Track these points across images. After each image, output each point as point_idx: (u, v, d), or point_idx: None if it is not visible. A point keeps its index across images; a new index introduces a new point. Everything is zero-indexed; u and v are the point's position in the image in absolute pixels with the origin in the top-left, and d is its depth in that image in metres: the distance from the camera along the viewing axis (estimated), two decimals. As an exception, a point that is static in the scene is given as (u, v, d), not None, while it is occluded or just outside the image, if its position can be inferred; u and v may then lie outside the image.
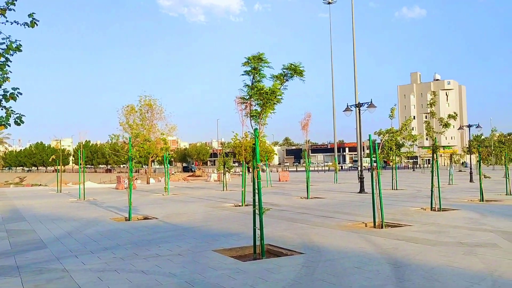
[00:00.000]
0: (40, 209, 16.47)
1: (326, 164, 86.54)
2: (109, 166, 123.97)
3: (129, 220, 12.54)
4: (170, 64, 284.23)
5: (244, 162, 18.52)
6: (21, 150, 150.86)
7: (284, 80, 7.32)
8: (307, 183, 19.49)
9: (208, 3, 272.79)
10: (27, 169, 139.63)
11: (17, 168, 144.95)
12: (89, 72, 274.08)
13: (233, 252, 7.74)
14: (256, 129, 7.22)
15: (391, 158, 20.47)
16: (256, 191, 7.33)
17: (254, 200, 7.44)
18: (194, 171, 75.89)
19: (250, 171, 49.35)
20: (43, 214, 14.62)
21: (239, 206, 16.40)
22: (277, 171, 60.21)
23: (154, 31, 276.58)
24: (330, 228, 10.30)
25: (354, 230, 9.86)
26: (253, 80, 7.09)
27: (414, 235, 9.10)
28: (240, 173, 64.13)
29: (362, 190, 21.98)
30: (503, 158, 27.43)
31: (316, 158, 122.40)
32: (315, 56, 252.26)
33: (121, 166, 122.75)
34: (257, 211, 7.37)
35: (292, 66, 7.15)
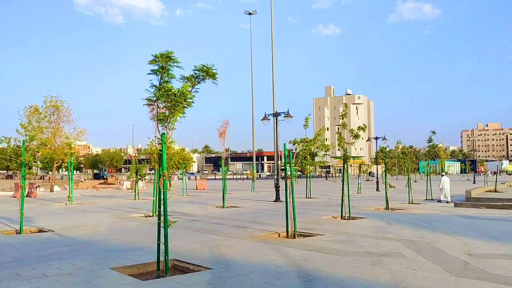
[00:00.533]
0: None
1: (244, 172, 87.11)
2: (10, 172, 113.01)
3: (20, 233, 11.11)
4: (83, 65, 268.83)
5: (156, 170, 17.57)
6: None
7: (196, 83, 6.84)
8: (223, 192, 19.08)
9: (127, 4, 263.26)
10: None
11: None
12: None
13: (134, 269, 7.01)
14: (164, 134, 6.63)
15: (305, 167, 20.84)
16: (162, 201, 6.71)
17: (159, 211, 6.81)
18: (106, 178, 71.79)
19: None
20: None
21: (150, 216, 15.45)
22: (195, 179, 59.19)
23: (66, 29, 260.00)
24: (243, 239, 9.94)
25: (266, 241, 9.60)
26: (161, 81, 6.51)
27: (325, 244, 9.06)
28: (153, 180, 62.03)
29: (277, 198, 22.09)
30: (405, 168, 29.42)
31: (235, 167, 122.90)
32: (236, 65, 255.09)
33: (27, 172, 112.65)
34: (162, 224, 6.74)
35: (204, 67, 6.71)
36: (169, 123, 6.41)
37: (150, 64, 6.35)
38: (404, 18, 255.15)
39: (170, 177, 48.06)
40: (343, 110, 14.18)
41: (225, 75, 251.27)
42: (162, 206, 6.76)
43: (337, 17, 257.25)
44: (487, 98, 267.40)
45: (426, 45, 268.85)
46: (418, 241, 9.43)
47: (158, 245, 6.82)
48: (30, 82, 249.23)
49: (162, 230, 6.74)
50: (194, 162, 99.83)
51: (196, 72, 6.66)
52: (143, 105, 6.59)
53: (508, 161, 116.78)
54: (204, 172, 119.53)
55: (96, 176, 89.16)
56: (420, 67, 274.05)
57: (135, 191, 24.81)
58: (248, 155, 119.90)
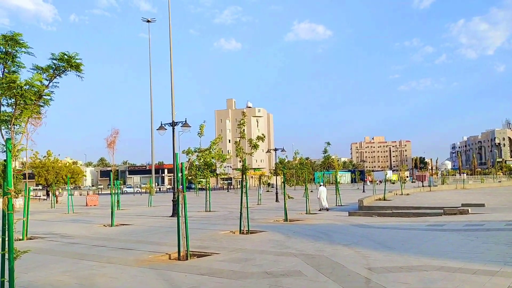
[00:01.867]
0: None
1: (143, 186, 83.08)
2: None
3: None
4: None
5: (27, 185, 15.20)
6: None
7: (54, 75, 5.46)
8: (111, 209, 17.17)
9: (14, 5, 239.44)
10: None
11: None
12: None
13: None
14: (9, 139, 5.12)
15: (197, 178, 19.74)
16: (6, 227, 5.18)
17: (3, 240, 5.25)
18: (-19, 196, 63.19)
19: (50, 195, 43.13)
20: None
21: (19, 240, 13.10)
22: (88, 194, 54.63)
23: None
24: (125, 264, 8.54)
25: (153, 265, 8.34)
26: (4, 70, 5.04)
27: (220, 266, 8.09)
28: (43, 197, 56.08)
29: (174, 213, 20.68)
30: (302, 179, 29.95)
31: (133, 180, 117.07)
32: (136, 75, 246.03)
33: None
34: (7, 256, 5.21)
35: (66, 56, 5.37)
36: (13, 124, 4.92)
37: (-12, 48, 4.84)
38: (300, 37, 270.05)
39: (56, 193, 43.54)
40: (241, 119, 13.50)
41: (123, 84, 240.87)
42: (6, 233, 5.22)
43: (238, 32, 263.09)
44: (372, 113, 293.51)
45: (319, 63, 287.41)
46: (317, 255, 8.94)
47: (2, 283, 5.25)
48: None
49: (6, 264, 5.19)
50: (85, 176, 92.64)
51: (54, 61, 5.27)
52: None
53: (391, 171, 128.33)
54: (99, 186, 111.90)
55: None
56: (315, 82, 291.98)
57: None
58: (147, 168, 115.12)
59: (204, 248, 10.33)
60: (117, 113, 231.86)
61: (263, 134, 14.21)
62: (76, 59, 5.45)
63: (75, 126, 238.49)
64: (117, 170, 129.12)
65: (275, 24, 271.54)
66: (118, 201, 28.04)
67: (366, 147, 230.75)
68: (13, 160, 5.21)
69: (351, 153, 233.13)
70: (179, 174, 9.96)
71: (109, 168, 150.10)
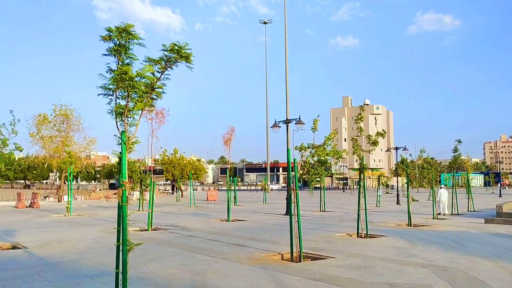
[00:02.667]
0: None
1: (258, 183, 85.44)
2: (28, 182, 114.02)
3: (-12, 250, 9.76)
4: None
5: (151, 179, 16.20)
6: None
7: (165, 67, 5.37)
8: (227, 204, 17.52)
9: (148, 19, 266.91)
10: None
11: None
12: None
13: (86, 305, 5.52)
14: (123, 132, 5.16)
15: (312, 176, 19.02)
16: (121, 219, 5.23)
17: (118, 231, 5.32)
18: (121, 188, 71.08)
19: (175, 189, 46.41)
20: None
21: (145, 230, 14.03)
22: (209, 190, 57.88)
23: (86, 44, 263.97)
24: (237, 261, 8.35)
25: (265, 265, 8.00)
26: (119, 63, 5.07)
27: (335, 272, 7.41)
28: (169, 191, 60.95)
29: (288, 212, 20.41)
30: (428, 180, 27.32)
31: (249, 177, 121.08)
32: (253, 76, 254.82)
33: (44, 182, 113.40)
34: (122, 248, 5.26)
35: (176, 47, 5.24)
36: (127, 116, 4.90)
37: (103, 41, 4.89)
38: (424, 29, 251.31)
39: (182, 188, 46.83)
40: (359, 114, 12.55)
41: (244, 86, 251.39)
42: (121, 225, 5.27)
43: (356, 28, 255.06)
44: (509, 108, 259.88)
45: (446, 56, 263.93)
46: (450, 267, 7.70)
47: (117, 274, 5.32)
48: (41, 89, 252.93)
49: (121, 256, 5.25)
50: (207, 172, 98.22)
51: (166, 53, 5.17)
52: (98, 95, 5.12)
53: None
54: (219, 182, 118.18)
55: (111, 186, 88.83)
56: (441, 77, 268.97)
57: (139, 202, 23.46)
58: (263, 166, 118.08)
59: (318, 250, 9.72)
60: (235, 113, 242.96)
61: (383, 130, 13.05)
62: (186, 49, 5.30)
63: (199, 126, 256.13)
64: (235, 167, 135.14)
65: (396, 17, 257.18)
66: (235, 197, 28.85)
67: (502, 147, 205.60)
68: (127, 153, 5.25)
69: (484, 154, 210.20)
70: (292, 172, 9.53)
71: (228, 166, 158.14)
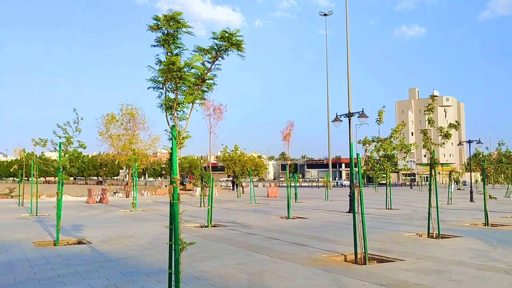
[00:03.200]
0: (-29, 227, 14.00)
1: (320, 179, 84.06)
2: (100, 178, 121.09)
3: (56, 245, 10.13)
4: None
5: (210, 175, 16.18)
6: (11, 160, 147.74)
7: (216, 56, 5.05)
8: (287, 201, 17.10)
9: (209, 18, 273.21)
10: (18, 179, 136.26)
11: (8, 178, 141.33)
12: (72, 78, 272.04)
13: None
14: (173, 126, 4.92)
15: (377, 172, 17.96)
16: (173, 217, 5.00)
17: (170, 230, 5.10)
18: (185, 184, 73.42)
19: (237, 186, 46.85)
20: (-36, 234, 12.17)
21: (205, 227, 14.02)
22: (269, 186, 57.85)
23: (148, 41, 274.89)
24: (297, 262, 7.92)
25: (327, 267, 7.49)
26: (167, 53, 4.83)
27: (405, 276, 6.74)
28: (231, 188, 61.68)
29: (351, 209, 19.59)
30: (505, 175, 25.08)
31: (310, 173, 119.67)
32: (313, 70, 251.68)
33: (114, 178, 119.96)
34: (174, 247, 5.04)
35: (226, 34, 4.89)
36: (175, 110, 4.64)
37: (151, 30, 4.66)
38: (498, 14, 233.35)
39: (243, 184, 47.14)
40: (429, 104, 11.54)
41: (305, 81, 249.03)
42: (173, 224, 5.04)
43: (422, 17, 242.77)
44: None
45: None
46: (542, 276, 6.72)
47: (169, 274, 5.11)
48: (109, 90, 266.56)
49: (174, 255, 5.02)
50: (267, 168, 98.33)
51: (216, 41, 4.84)
52: (148, 88, 4.91)
53: None
54: (280, 179, 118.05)
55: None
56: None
57: (200, 198, 23.76)
58: (325, 162, 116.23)
59: (385, 251, 9.03)
60: (295, 108, 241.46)
61: (456, 121, 11.94)
62: (237, 36, 4.94)
63: (260, 123, 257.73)
64: (296, 163, 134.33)
65: (466, 3, 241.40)
66: (295, 194, 28.37)
67: None
68: (178, 148, 5.01)
69: None
70: (355, 168, 8.90)
71: (289, 162, 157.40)
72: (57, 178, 10.61)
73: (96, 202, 28.28)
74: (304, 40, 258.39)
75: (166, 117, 5.05)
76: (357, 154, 8.89)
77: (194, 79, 4.99)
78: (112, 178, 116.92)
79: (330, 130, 64.76)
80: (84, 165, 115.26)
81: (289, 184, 17.96)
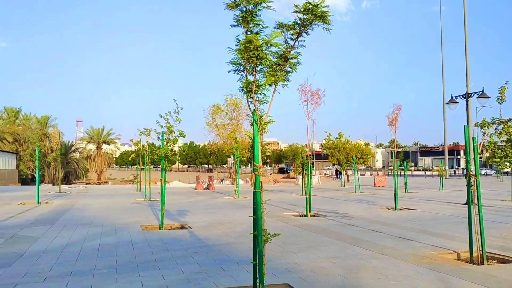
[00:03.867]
0: (90, 210, 15.50)
1: (434, 168, 78.04)
2: (210, 166, 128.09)
3: (160, 229, 10.67)
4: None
5: (309, 164, 15.69)
6: (134, 150, 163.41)
7: (300, 32, 4.60)
8: (394, 191, 15.92)
9: (312, 0, 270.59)
10: (141, 167, 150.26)
11: (133, 166, 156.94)
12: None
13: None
14: (254, 111, 4.62)
15: (501, 160, 15.57)
16: (256, 206, 4.73)
17: (254, 220, 4.84)
18: (289, 172, 74.03)
19: (341, 174, 45.57)
20: (84, 216, 13.49)
21: (303, 216, 13.69)
22: (377, 175, 55.38)
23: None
24: (400, 258, 7.16)
25: (435, 266, 6.63)
26: (246, 33, 4.51)
27: (535, 283, 5.62)
28: (333, 176, 60.38)
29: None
30: None
31: (423, 161, 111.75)
32: (424, 50, 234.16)
33: (223, 166, 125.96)
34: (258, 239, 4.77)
35: (310, 5, 4.41)
36: (254, 93, 4.32)
37: (229, 9, 4.38)
38: None
39: (348, 172, 45.75)
40: None
41: (416, 62, 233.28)
42: (257, 214, 4.77)
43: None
44: None
45: None
46: None
47: (254, 266, 4.87)
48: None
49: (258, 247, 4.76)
50: (374, 156, 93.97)
51: (298, 15, 4.39)
52: (229, 71, 4.66)
53: None
54: (390, 167, 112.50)
55: (280, 171, 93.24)
56: None
57: (301, 187, 23.49)
58: (440, 149, 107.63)
59: (508, 250, 7.76)
60: (404, 92, 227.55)
61: None
62: (322, 6, 4.42)
63: (366, 109, 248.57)
64: (407, 151, 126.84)
65: None
66: (405, 183, 26.55)
67: None
68: (260, 134, 4.70)
69: None
70: (470, 154, 7.74)
71: (399, 149, 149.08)
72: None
73: (204, 189, 29.71)
74: (415, 19, 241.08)
75: (248, 102, 4.76)
76: (472, 138, 7.72)
77: (275, 59, 4.62)
78: (221, 166, 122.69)
79: (446, 114, 59.40)
80: (194, 154, 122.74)
81: (396, 173, 16.70)
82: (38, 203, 17.37)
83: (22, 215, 13.58)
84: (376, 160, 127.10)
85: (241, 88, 4.75)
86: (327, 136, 50.38)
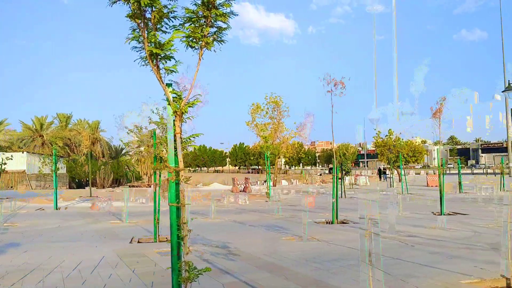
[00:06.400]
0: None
1: (497, 165, 71.91)
2: (260, 167, 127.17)
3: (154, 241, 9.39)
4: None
5: (334, 163, 13.77)
6: (187, 153, 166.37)
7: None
8: (440, 193, 13.67)
9: (262, 25, 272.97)
10: (193, 169, 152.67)
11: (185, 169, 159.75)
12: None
13: None
14: (169, 85, 3.09)
15: None
16: (171, 228, 3.18)
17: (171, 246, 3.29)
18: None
19: (382, 174, 42.63)
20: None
21: (329, 223, 11.92)
22: (430, 174, 51.58)
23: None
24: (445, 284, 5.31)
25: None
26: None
27: None
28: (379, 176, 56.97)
29: (534, 204, 14.88)
30: None
31: (484, 159, 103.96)
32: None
33: (272, 166, 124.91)
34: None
35: None
36: (162, 59, 2.78)
37: None
38: None
39: (398, 172, 42.67)
40: None
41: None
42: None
43: None
44: None
45: None
46: None
47: None
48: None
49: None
50: (427, 154, 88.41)
51: None
52: (130, 46, 3.14)
53: None
54: (449, 165, 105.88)
55: (331, 171, 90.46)
56: None
57: (341, 190, 21.50)
58: (504, 145, 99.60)
59: None
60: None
61: None
62: None
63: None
64: (467, 148, 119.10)
65: None
66: (459, 183, 23.75)
67: None
68: (179, 121, 3.17)
69: None
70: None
71: (458, 146, 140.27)
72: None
73: (240, 191, 28.43)
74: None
75: (161, 81, 3.21)
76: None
77: (194, 8, 3.05)
78: (272, 166, 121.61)
79: (508, 106, 54.15)
80: (244, 155, 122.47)
81: (442, 172, 14.41)
82: (56, 209, 16.85)
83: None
84: (433, 158, 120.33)
85: (136, 49, 3.18)
86: (377, 133, 47.63)
